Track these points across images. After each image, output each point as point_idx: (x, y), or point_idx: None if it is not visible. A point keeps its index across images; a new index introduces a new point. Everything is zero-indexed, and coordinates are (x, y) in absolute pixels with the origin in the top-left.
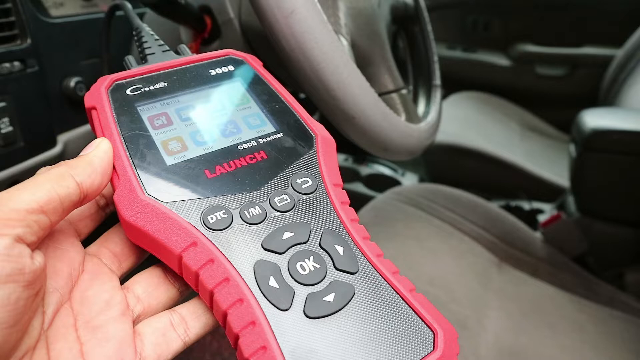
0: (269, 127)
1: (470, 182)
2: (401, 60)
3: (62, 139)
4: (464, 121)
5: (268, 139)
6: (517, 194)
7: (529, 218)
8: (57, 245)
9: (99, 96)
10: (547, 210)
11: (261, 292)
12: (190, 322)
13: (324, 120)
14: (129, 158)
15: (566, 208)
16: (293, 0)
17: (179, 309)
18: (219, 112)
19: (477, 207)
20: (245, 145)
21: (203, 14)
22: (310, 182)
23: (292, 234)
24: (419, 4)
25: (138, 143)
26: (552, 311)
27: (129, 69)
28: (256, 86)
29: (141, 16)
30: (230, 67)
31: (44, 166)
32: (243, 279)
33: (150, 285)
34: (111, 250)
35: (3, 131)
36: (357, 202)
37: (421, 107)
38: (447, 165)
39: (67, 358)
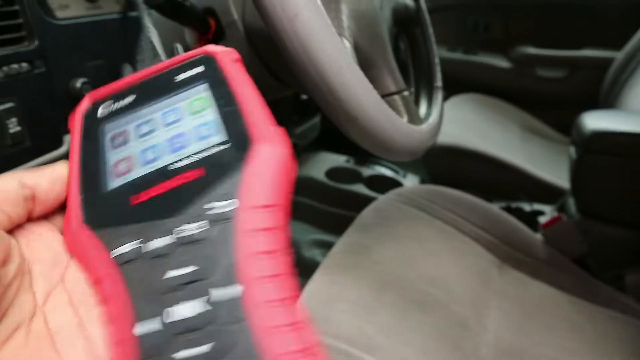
0: (216, 138)
1: (471, 184)
2: (402, 62)
3: (68, 139)
4: (464, 123)
5: (211, 152)
6: (517, 195)
7: (530, 219)
8: (41, 238)
9: (73, 120)
10: (547, 212)
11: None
12: None
13: (325, 122)
14: (79, 183)
15: (567, 210)
16: (297, 3)
17: None
18: (175, 124)
19: (478, 209)
20: (185, 162)
21: (207, 16)
22: (216, 207)
23: (177, 274)
24: (420, 6)
25: (92, 166)
26: (552, 312)
27: (122, 77)
28: (217, 88)
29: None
30: (199, 69)
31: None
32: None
33: None
34: None
35: (11, 131)
36: (359, 203)
37: (423, 109)
38: (448, 166)
39: (69, 328)
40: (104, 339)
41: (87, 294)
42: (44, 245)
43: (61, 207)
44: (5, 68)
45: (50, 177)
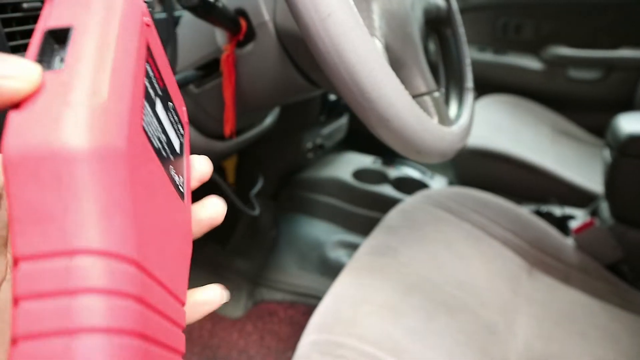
0: None
1: (500, 187)
2: (433, 62)
3: None
4: (494, 125)
5: None
6: (548, 199)
7: (561, 224)
8: None
9: None
10: (579, 216)
11: None
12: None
13: (353, 123)
14: None
15: (599, 214)
16: (330, 3)
17: None
18: None
19: (507, 212)
20: None
21: (238, 17)
22: None
23: None
24: (451, 7)
25: None
26: (585, 319)
27: None
28: None
29: (177, 19)
30: None
31: None
32: None
33: None
34: None
35: None
36: (385, 204)
37: (453, 110)
38: (477, 169)
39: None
40: None
41: None
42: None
43: None
44: None
45: None
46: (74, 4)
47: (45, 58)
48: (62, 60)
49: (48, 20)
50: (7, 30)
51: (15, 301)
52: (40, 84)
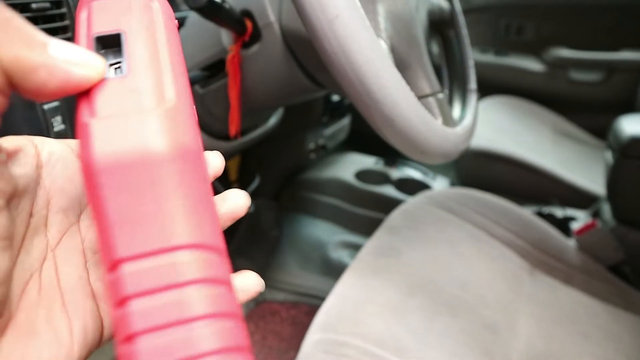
0: None
1: (502, 188)
2: (436, 64)
3: None
4: (496, 126)
5: None
6: (549, 200)
7: (562, 225)
8: (67, 164)
9: None
10: (580, 218)
11: None
12: None
13: (355, 124)
14: None
15: (601, 216)
16: (337, 4)
17: None
18: None
19: (509, 213)
20: None
21: (244, 18)
22: None
23: None
24: (454, 8)
25: None
26: (586, 320)
27: None
28: None
29: (183, 20)
30: None
31: None
32: None
33: None
34: None
35: (56, 129)
36: (387, 205)
37: (457, 111)
38: (479, 170)
39: (76, 284)
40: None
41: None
42: (68, 176)
43: None
44: None
45: None
46: (116, 10)
47: (112, 62)
48: (115, 64)
49: (92, 26)
50: None
51: (124, 300)
52: (104, 77)
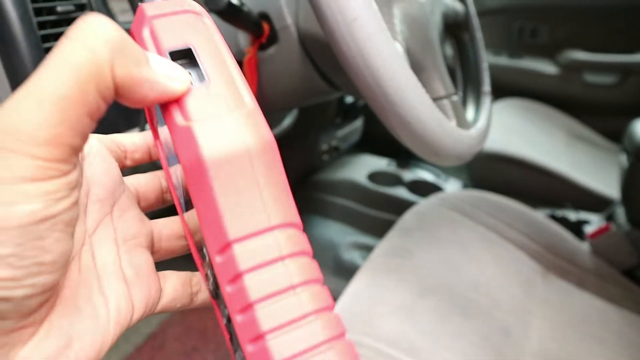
0: None
1: (515, 191)
2: (451, 66)
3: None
4: (509, 128)
5: None
6: (563, 203)
7: (576, 228)
8: (104, 158)
9: None
10: (594, 221)
11: None
12: (202, 289)
13: (367, 126)
14: None
15: (615, 219)
16: (356, 7)
17: (199, 275)
18: None
19: (522, 216)
20: None
21: (261, 20)
22: None
23: None
24: (469, 11)
25: None
26: (600, 324)
27: None
28: None
29: None
30: None
31: None
32: None
33: (169, 228)
34: (135, 186)
35: None
36: (400, 207)
37: (470, 113)
38: (492, 172)
39: (111, 268)
40: (139, 284)
41: (129, 231)
42: (105, 169)
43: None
44: None
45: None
46: (177, 26)
47: None
48: (196, 75)
49: (161, 42)
50: (42, 32)
51: (238, 276)
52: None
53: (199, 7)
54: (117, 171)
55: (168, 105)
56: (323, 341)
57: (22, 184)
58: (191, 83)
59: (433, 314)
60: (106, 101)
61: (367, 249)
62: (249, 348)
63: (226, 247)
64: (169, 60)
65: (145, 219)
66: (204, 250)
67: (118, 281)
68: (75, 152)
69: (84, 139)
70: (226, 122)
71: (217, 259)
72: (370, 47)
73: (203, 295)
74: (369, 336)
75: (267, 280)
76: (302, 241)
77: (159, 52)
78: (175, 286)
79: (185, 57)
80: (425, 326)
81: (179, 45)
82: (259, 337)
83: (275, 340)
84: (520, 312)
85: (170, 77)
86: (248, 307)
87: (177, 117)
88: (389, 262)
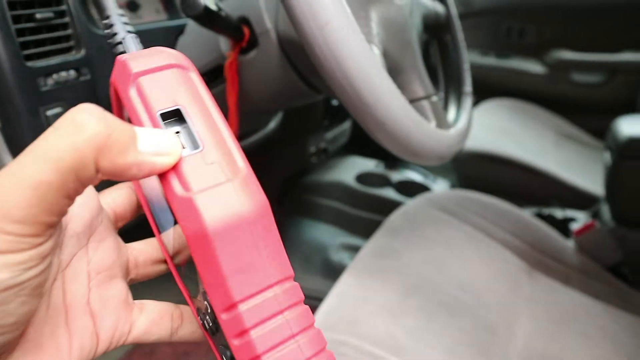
0: None
1: (502, 190)
2: (433, 67)
3: None
4: (496, 128)
5: None
6: (549, 201)
7: (562, 226)
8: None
9: None
10: (580, 219)
11: None
12: (185, 322)
13: (355, 128)
14: None
15: (600, 216)
16: (328, 12)
17: (183, 308)
18: None
19: (508, 214)
20: None
21: (241, 25)
22: None
23: None
24: (450, 13)
25: None
26: (585, 320)
27: None
28: None
29: (182, 27)
30: None
31: None
32: None
33: (145, 254)
34: (112, 208)
35: None
36: (388, 207)
37: (452, 114)
38: (479, 172)
39: (79, 302)
40: (106, 318)
41: (104, 262)
42: (84, 201)
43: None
44: (55, 76)
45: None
46: (164, 84)
47: (174, 131)
48: (185, 134)
49: (150, 102)
50: (20, 40)
51: (244, 332)
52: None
53: (183, 60)
54: (97, 201)
55: (163, 174)
56: None
57: None
58: (182, 146)
59: (419, 313)
60: (87, 185)
61: (356, 250)
62: None
63: (232, 307)
64: (159, 132)
65: (122, 245)
66: (198, 286)
67: (84, 316)
68: (50, 227)
69: (61, 215)
70: (225, 192)
71: (223, 317)
72: (343, 50)
73: (186, 330)
74: (354, 336)
75: (271, 333)
76: (296, 292)
77: (149, 114)
78: (152, 318)
79: (174, 115)
80: (411, 325)
81: (168, 106)
82: None
83: None
84: (506, 310)
85: (160, 153)
86: (255, 359)
87: (176, 186)
88: (376, 262)
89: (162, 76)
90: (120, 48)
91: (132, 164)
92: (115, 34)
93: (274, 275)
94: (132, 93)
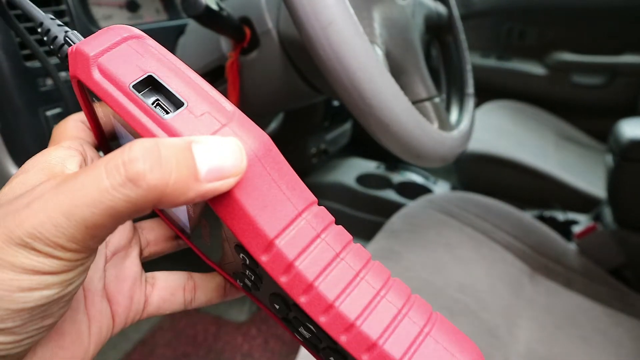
0: None
1: (503, 192)
2: (435, 68)
3: None
4: (497, 130)
5: None
6: (551, 204)
7: (563, 229)
8: None
9: None
10: (582, 221)
11: None
12: (199, 292)
13: (356, 129)
14: None
15: (602, 219)
16: (331, 12)
17: (196, 276)
18: None
19: (510, 217)
20: None
21: (243, 25)
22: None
23: None
24: (452, 14)
25: None
26: (587, 324)
27: None
28: None
29: (183, 27)
30: None
31: None
32: None
33: (156, 232)
34: None
35: None
36: (389, 209)
37: (454, 115)
38: (480, 174)
39: (96, 286)
40: (121, 299)
41: (120, 243)
42: None
43: None
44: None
45: None
46: (125, 57)
47: (152, 102)
48: (154, 102)
49: (118, 79)
50: (19, 39)
51: (290, 266)
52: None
53: (135, 30)
54: None
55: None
56: (380, 288)
57: (43, 276)
58: (167, 111)
59: None
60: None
61: None
62: (322, 319)
63: (270, 246)
64: (219, 148)
65: (135, 226)
66: (223, 249)
67: (102, 300)
68: (95, 250)
69: (105, 239)
70: (225, 137)
71: (264, 259)
72: (346, 50)
73: (200, 300)
74: None
75: (315, 258)
76: (325, 213)
77: (122, 91)
78: (163, 295)
79: (147, 84)
80: None
81: (138, 76)
82: (329, 307)
83: (344, 305)
84: (507, 313)
85: (223, 176)
86: (309, 287)
87: None
88: None
89: (121, 51)
90: (66, 48)
91: (194, 198)
92: (55, 37)
93: (300, 203)
94: (97, 76)
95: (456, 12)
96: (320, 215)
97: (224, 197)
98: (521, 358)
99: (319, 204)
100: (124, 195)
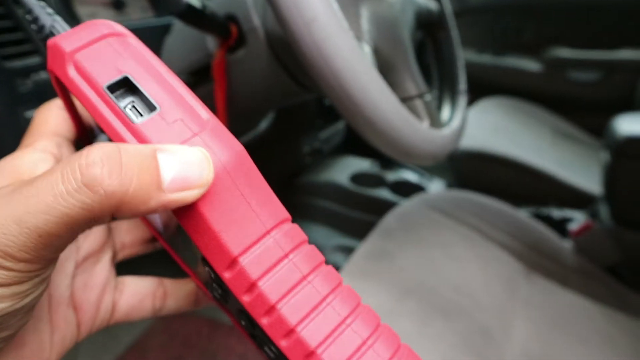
0: None
1: (499, 189)
2: (427, 65)
3: None
4: (493, 127)
5: None
6: (546, 201)
7: (559, 226)
8: None
9: None
10: (577, 219)
11: None
12: (169, 300)
13: (350, 127)
14: None
15: (598, 216)
16: (314, 8)
17: (167, 283)
18: None
19: (505, 215)
20: None
21: (229, 22)
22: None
23: None
24: (443, 10)
25: None
26: (583, 322)
27: None
28: None
29: (170, 25)
30: None
31: None
32: None
33: (132, 234)
34: None
35: None
36: (383, 208)
37: (445, 113)
38: (475, 171)
39: (62, 293)
40: (88, 307)
41: (92, 248)
42: None
43: None
44: (34, 76)
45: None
46: (103, 55)
47: (126, 104)
48: (128, 105)
49: (93, 78)
50: None
51: (253, 286)
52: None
53: (118, 27)
54: None
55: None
56: (346, 316)
57: None
58: (140, 114)
59: (414, 316)
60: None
61: (350, 252)
62: (283, 343)
63: (233, 263)
64: (185, 158)
65: (111, 227)
66: (198, 261)
67: (67, 308)
68: (52, 261)
69: (63, 250)
70: (193, 146)
71: (227, 275)
72: (330, 47)
73: (171, 307)
74: None
75: (281, 279)
76: (297, 232)
77: (95, 91)
78: (131, 303)
79: (122, 86)
80: (406, 329)
81: (113, 77)
82: (291, 332)
83: (306, 331)
84: (502, 313)
85: (188, 186)
86: (271, 309)
87: None
88: (369, 265)
89: (99, 48)
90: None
91: (155, 208)
92: (43, 26)
93: (269, 221)
94: (72, 73)
95: (448, 8)
96: (291, 234)
97: (189, 209)
98: (516, 358)
99: (314, 203)
100: (79, 202)
